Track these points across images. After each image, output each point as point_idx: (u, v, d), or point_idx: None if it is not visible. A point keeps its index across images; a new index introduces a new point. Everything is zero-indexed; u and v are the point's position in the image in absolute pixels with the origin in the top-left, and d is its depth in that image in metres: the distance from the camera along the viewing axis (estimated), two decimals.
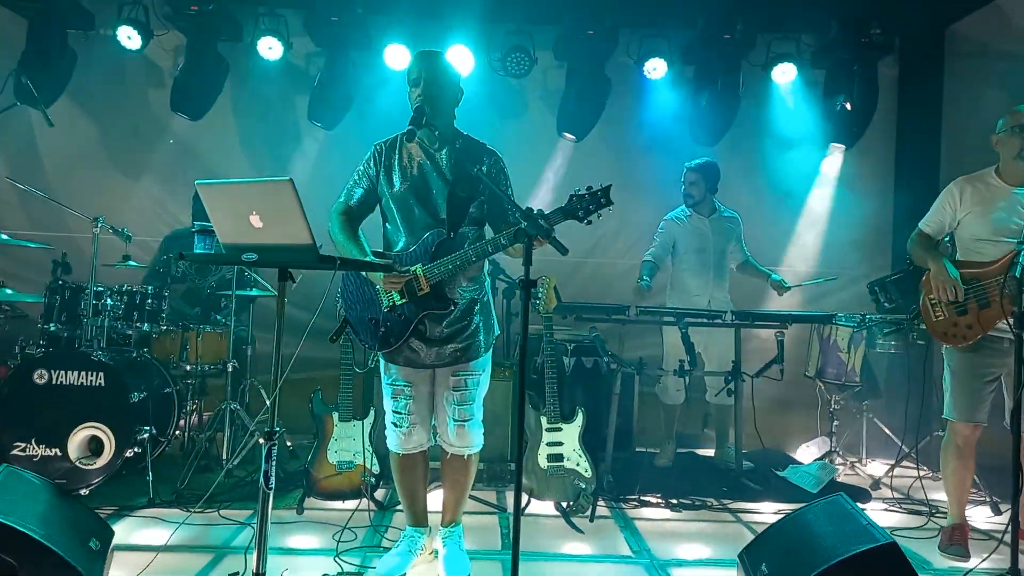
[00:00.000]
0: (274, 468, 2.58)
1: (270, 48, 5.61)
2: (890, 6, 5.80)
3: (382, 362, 3.08)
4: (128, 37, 5.49)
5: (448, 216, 2.90)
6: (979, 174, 3.59)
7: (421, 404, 3.03)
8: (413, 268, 2.84)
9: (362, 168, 3.00)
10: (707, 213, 5.01)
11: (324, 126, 5.71)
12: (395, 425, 3.04)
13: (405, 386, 3.00)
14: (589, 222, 2.63)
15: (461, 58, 5.53)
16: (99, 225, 3.98)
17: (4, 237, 4.08)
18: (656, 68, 5.78)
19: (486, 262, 3.10)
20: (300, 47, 5.81)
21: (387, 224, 3.03)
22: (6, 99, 4.28)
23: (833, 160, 6.13)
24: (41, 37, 5.31)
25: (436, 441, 3.12)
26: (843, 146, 5.99)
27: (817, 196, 6.14)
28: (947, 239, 3.75)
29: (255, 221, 2.36)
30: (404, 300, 2.88)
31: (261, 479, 2.57)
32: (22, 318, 4.75)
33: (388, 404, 3.06)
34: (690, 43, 5.84)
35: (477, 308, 2.99)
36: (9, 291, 4.25)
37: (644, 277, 4.78)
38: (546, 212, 2.60)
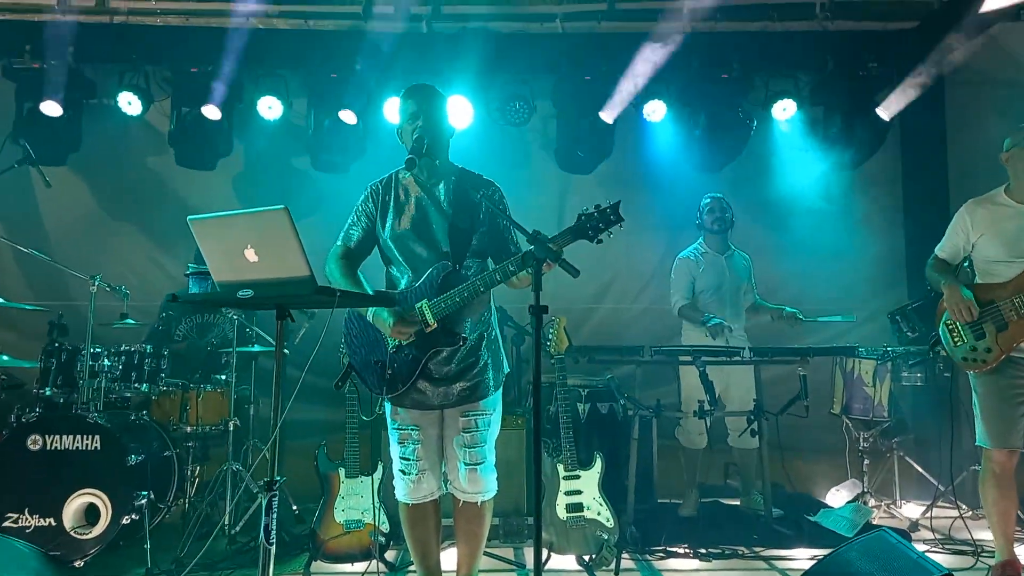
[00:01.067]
0: (275, 522, 2.42)
1: (270, 108, 5.62)
2: (885, 40, 5.83)
3: (388, 408, 2.93)
4: (128, 103, 5.53)
5: (451, 249, 2.79)
6: (989, 195, 3.55)
7: (430, 449, 2.86)
8: (419, 305, 2.72)
9: (359, 208, 2.91)
10: (722, 250, 4.91)
11: (323, 172, 5.68)
12: (403, 473, 2.87)
13: (413, 430, 2.84)
14: (599, 241, 2.52)
15: (460, 109, 5.53)
16: (96, 283, 3.89)
17: (1, 301, 3.98)
18: (655, 111, 5.76)
19: (492, 301, 2.98)
20: (300, 107, 5.83)
21: (390, 267, 2.93)
22: (4, 162, 4.24)
23: (840, 193, 6.05)
24: (36, 102, 5.33)
25: (447, 489, 2.93)
26: (857, 177, 5.91)
27: (824, 232, 6.03)
28: (966, 264, 3.64)
29: (250, 255, 2.26)
30: (411, 340, 2.74)
31: (261, 534, 2.40)
32: (18, 387, 4.61)
33: (395, 451, 2.90)
34: (687, 85, 5.83)
35: (484, 344, 2.86)
36: (5, 357, 4.13)
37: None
38: (553, 236, 2.49)
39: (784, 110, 5.76)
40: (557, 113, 5.91)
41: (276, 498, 2.41)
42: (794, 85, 5.87)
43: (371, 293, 2.75)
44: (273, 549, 2.38)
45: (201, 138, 5.56)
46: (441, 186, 2.86)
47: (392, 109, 5.57)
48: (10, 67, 5.37)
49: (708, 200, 4.95)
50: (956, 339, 3.40)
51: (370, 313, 2.75)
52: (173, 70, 5.58)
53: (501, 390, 2.94)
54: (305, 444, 4.17)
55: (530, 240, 2.44)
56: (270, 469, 2.42)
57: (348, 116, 5.53)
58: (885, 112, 5.83)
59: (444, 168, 2.88)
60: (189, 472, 4.29)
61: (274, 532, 2.39)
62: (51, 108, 5.32)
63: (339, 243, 2.90)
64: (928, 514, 4.48)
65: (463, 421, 2.82)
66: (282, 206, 2.17)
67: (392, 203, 2.86)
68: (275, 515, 2.41)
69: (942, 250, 3.65)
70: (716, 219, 4.87)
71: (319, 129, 5.62)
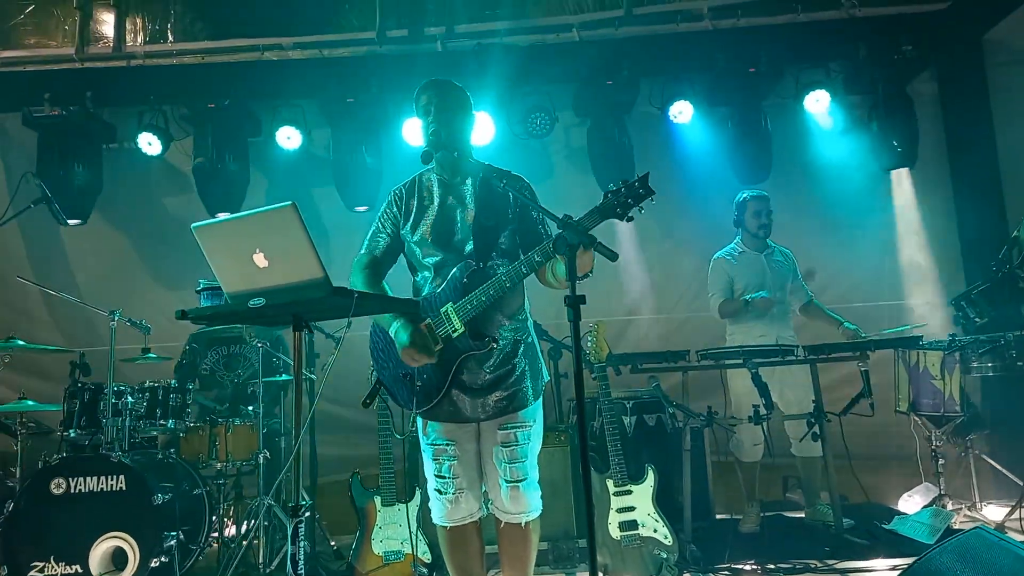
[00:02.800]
0: (304, 549, 2.21)
1: (288, 138, 5.57)
2: (917, 22, 5.59)
3: (420, 424, 2.72)
4: (148, 143, 5.52)
5: (476, 247, 2.60)
6: None
7: (467, 466, 2.63)
8: (443, 308, 2.52)
9: (383, 214, 2.74)
10: (761, 248, 4.64)
11: (347, 204, 5.57)
12: (439, 492, 2.64)
13: (448, 445, 2.62)
14: (630, 218, 2.29)
15: (482, 125, 5.41)
16: (116, 318, 3.77)
17: (20, 342, 3.88)
18: (681, 112, 5.56)
19: (527, 305, 2.76)
20: (319, 136, 5.77)
21: (415, 275, 2.74)
22: (20, 204, 4.19)
23: (885, 186, 5.76)
24: (61, 152, 5.33)
25: (488, 510, 2.70)
26: (903, 169, 5.62)
27: (872, 225, 5.75)
28: None
29: (259, 260, 2.09)
30: (439, 347, 2.54)
31: (289, 566, 2.19)
32: (46, 434, 4.50)
33: (429, 469, 2.68)
34: (714, 82, 5.64)
35: (521, 350, 2.64)
36: (30, 403, 4.02)
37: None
38: (578, 217, 2.28)
39: (817, 101, 5.53)
40: (580, 122, 5.76)
41: (303, 525, 2.21)
42: (826, 75, 5.66)
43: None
44: None
45: (223, 172, 5.49)
46: (468, 184, 2.68)
47: (410, 130, 5.47)
48: (30, 116, 5.38)
49: (751, 199, 4.62)
50: None
51: (392, 329, 2.55)
52: (191, 108, 5.55)
53: (541, 400, 2.71)
54: (341, 480, 3.97)
55: (561, 224, 2.24)
56: (294, 494, 2.22)
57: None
58: (924, 96, 5.60)
59: (468, 165, 2.70)
60: (222, 511, 4.10)
61: (302, 562, 2.19)
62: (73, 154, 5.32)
63: (363, 251, 2.72)
64: (1015, 515, 4.11)
65: (502, 435, 2.59)
66: (289, 202, 2.01)
67: (416, 205, 2.69)
68: (302, 543, 2.20)
69: None
70: (762, 225, 4.57)
71: (339, 156, 5.53)
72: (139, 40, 6.03)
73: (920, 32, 5.62)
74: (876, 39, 5.53)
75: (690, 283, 5.68)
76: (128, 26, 6.04)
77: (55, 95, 5.48)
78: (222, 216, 2.15)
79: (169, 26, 6.12)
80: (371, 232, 2.76)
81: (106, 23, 6.03)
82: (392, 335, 2.58)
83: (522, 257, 2.46)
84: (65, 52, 5.93)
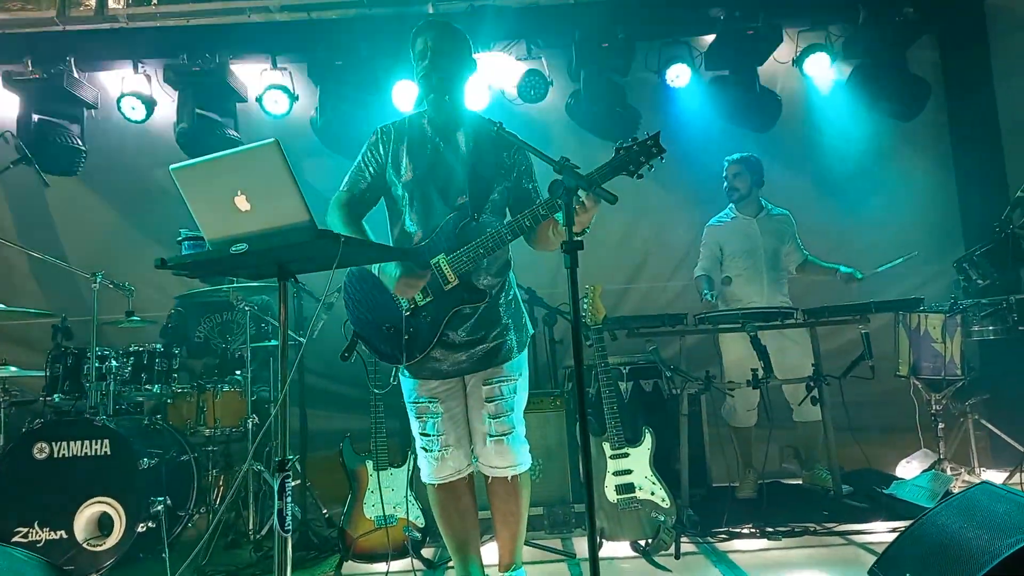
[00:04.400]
0: (291, 507, 2.13)
1: (275, 102, 5.41)
2: None
3: (403, 381, 2.63)
4: (132, 108, 5.37)
5: (470, 199, 2.50)
6: None
7: (453, 422, 2.56)
8: (435, 260, 2.43)
9: (367, 153, 2.62)
10: (754, 212, 4.57)
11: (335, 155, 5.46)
12: (426, 450, 2.57)
13: (431, 402, 2.54)
14: (640, 176, 2.24)
15: (476, 90, 5.28)
16: (98, 280, 3.66)
17: (2, 307, 3.76)
18: (679, 75, 5.44)
19: (511, 257, 2.66)
20: (306, 98, 5.62)
21: (400, 219, 2.60)
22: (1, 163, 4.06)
23: (885, 150, 5.67)
24: (43, 116, 5.19)
25: (476, 465, 2.62)
26: (904, 131, 5.53)
27: (872, 189, 5.64)
28: None
29: (241, 203, 2.00)
30: (428, 299, 2.46)
31: (275, 520, 2.11)
32: (30, 403, 4.41)
33: (415, 427, 2.60)
34: (711, 45, 5.52)
35: (503, 302, 2.56)
36: (12, 368, 3.92)
37: (706, 290, 4.34)
38: (591, 171, 2.19)
39: (816, 64, 5.41)
40: (575, 87, 5.62)
41: (289, 480, 2.12)
42: (826, 38, 5.53)
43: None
44: (290, 537, 2.09)
45: (208, 137, 5.35)
46: (461, 131, 2.58)
47: (400, 94, 5.35)
48: (11, 77, 5.23)
49: (730, 163, 4.64)
50: None
51: (375, 268, 2.45)
52: (175, 71, 5.39)
53: (526, 352, 2.63)
54: (333, 454, 3.89)
55: (558, 168, 2.14)
56: (280, 448, 2.13)
57: None
58: (925, 61, 5.50)
59: (462, 112, 2.59)
60: (211, 478, 4.02)
61: (289, 519, 2.10)
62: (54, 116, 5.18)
63: (343, 189, 2.61)
64: (1013, 480, 4.07)
65: (487, 389, 2.52)
66: (272, 140, 1.91)
67: (406, 147, 2.57)
68: (289, 500, 2.12)
69: None
70: (731, 187, 4.59)
71: (326, 119, 5.39)
72: (122, 2, 5.87)
73: None
74: (876, 1, 5.42)
75: (688, 250, 5.58)
76: None
77: (36, 57, 5.32)
78: (201, 157, 2.02)
79: None
80: (352, 170, 2.64)
81: None
82: (376, 273, 2.47)
83: (525, 211, 2.35)
84: (46, 15, 5.78)
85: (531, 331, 2.69)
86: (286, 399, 2.04)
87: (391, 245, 2.58)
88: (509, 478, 2.54)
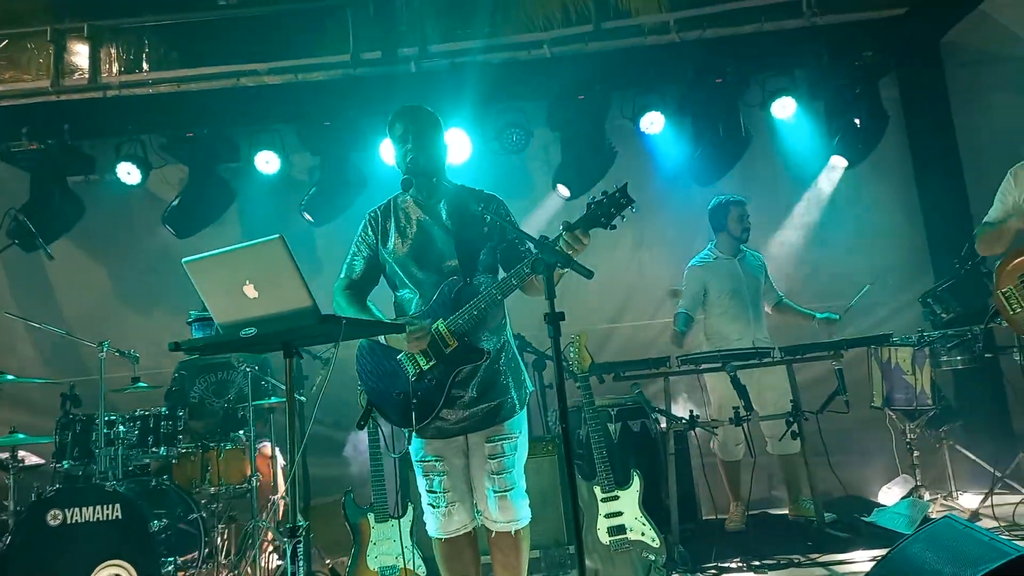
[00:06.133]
0: (303, 570, 2.28)
1: (267, 162, 5.63)
2: (877, 28, 5.78)
3: (411, 441, 2.80)
4: (128, 173, 5.57)
5: (460, 264, 2.69)
6: None
7: (457, 479, 2.72)
8: (435, 324, 2.61)
9: (359, 238, 2.84)
10: (733, 253, 4.78)
11: (316, 222, 5.65)
12: (432, 507, 2.73)
13: (436, 461, 2.71)
14: (613, 227, 2.41)
15: (458, 142, 5.50)
16: (104, 349, 3.82)
17: (10, 377, 3.91)
18: (653, 123, 5.69)
19: (507, 316, 2.86)
20: (298, 160, 5.84)
21: (397, 292, 2.83)
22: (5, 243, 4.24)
23: (852, 187, 5.92)
24: (43, 186, 5.37)
25: (479, 520, 2.78)
26: (847, 162, 5.77)
27: (841, 227, 5.89)
28: None
29: (249, 291, 2.17)
30: (431, 363, 2.63)
31: None
32: (37, 468, 4.52)
33: (422, 485, 2.77)
34: (684, 93, 5.79)
35: (504, 361, 2.73)
36: (21, 436, 4.04)
37: (680, 326, 4.52)
38: (569, 223, 2.39)
39: (783, 108, 5.68)
40: (554, 137, 5.87)
41: (300, 545, 2.28)
42: (791, 82, 5.81)
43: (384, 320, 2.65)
44: None
45: (202, 201, 5.55)
46: (442, 204, 2.78)
47: (388, 150, 5.55)
48: (8, 151, 5.40)
49: (733, 204, 4.75)
50: (1015, 306, 3.26)
51: (383, 340, 2.64)
52: (168, 137, 5.60)
53: (526, 410, 2.81)
54: (334, 500, 4.03)
55: (537, 246, 2.34)
56: (291, 515, 2.29)
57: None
58: (886, 100, 5.77)
59: (443, 186, 2.80)
60: (218, 534, 4.15)
61: None
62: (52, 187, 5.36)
63: (342, 276, 2.82)
64: (988, 503, 4.25)
65: (489, 447, 2.68)
66: (277, 235, 2.10)
67: (393, 226, 2.78)
68: (302, 563, 2.27)
69: (990, 217, 3.61)
70: (745, 228, 4.73)
71: (316, 175, 5.61)
72: (114, 70, 6.08)
73: (880, 37, 5.81)
74: (838, 45, 5.70)
75: (668, 288, 5.79)
76: (103, 56, 6.08)
77: (33, 129, 5.50)
78: (212, 251, 2.21)
79: (144, 55, 6.18)
80: (348, 256, 2.85)
81: (80, 55, 6.06)
82: (383, 341, 2.65)
83: (511, 271, 2.55)
84: (41, 85, 5.98)
85: (530, 388, 2.86)
86: (296, 474, 2.21)
87: (394, 316, 2.77)
88: (512, 532, 2.70)
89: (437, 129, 2.81)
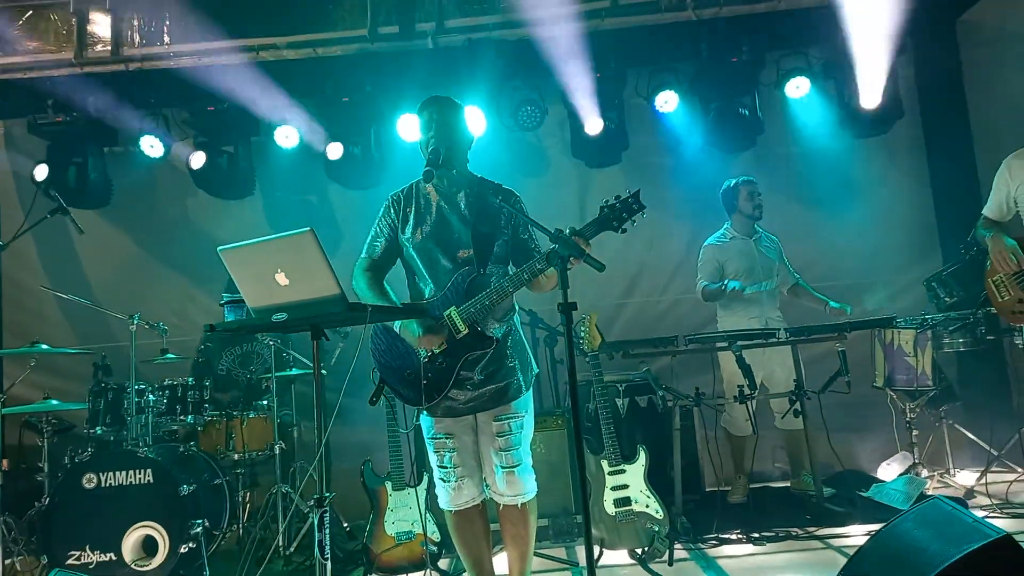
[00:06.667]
0: (328, 536, 2.46)
1: (287, 136, 5.72)
2: (895, 6, 5.76)
3: (422, 419, 2.96)
4: (151, 146, 5.67)
5: (475, 254, 2.82)
6: None
7: (466, 455, 2.88)
8: (447, 311, 2.75)
9: (381, 219, 2.95)
10: (749, 234, 4.86)
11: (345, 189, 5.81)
12: (443, 481, 2.90)
13: (447, 438, 2.87)
14: (624, 230, 2.55)
15: (474, 119, 5.57)
16: (135, 322, 3.99)
17: (44, 347, 4.09)
18: (667, 101, 5.73)
19: (516, 304, 2.99)
20: (317, 134, 5.91)
21: (413, 277, 2.96)
22: (36, 215, 4.38)
23: (864, 167, 5.96)
24: (68, 158, 5.50)
25: (488, 493, 2.95)
26: (882, 150, 5.82)
27: (852, 206, 5.94)
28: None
29: (281, 279, 2.31)
30: (442, 347, 2.77)
31: (316, 550, 2.45)
32: (69, 430, 4.75)
33: (433, 460, 2.93)
34: (698, 72, 5.82)
35: (510, 345, 2.87)
36: (55, 402, 4.24)
37: (722, 283, 4.60)
38: (579, 228, 2.51)
39: (798, 87, 5.70)
40: (569, 114, 5.92)
41: (327, 514, 2.46)
42: (806, 62, 5.82)
43: (399, 305, 2.79)
44: (328, 564, 2.42)
45: (225, 173, 5.68)
46: (462, 194, 2.89)
47: (405, 126, 5.64)
48: (35, 123, 5.52)
49: (743, 184, 4.84)
50: (1004, 294, 3.38)
51: (397, 325, 2.79)
52: (190, 111, 5.70)
53: (531, 391, 2.95)
54: (350, 465, 4.22)
55: (553, 239, 2.46)
56: (319, 487, 2.47)
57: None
58: (901, 78, 5.78)
59: (463, 177, 2.91)
60: (240, 498, 4.36)
61: (328, 547, 2.44)
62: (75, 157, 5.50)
63: (364, 255, 2.94)
64: (983, 480, 4.40)
65: (496, 426, 2.83)
66: (307, 229, 2.22)
67: (413, 212, 2.89)
68: (328, 531, 2.45)
69: (988, 209, 3.69)
70: (757, 206, 4.80)
71: (339, 152, 5.70)
72: (136, 42, 6.18)
73: (898, 14, 5.79)
74: (855, 24, 5.69)
75: (679, 265, 5.90)
76: (124, 29, 6.18)
77: (58, 101, 5.60)
78: (246, 241, 2.34)
79: (165, 28, 6.26)
80: (370, 236, 2.97)
81: (102, 25, 6.16)
82: (398, 331, 2.81)
83: (524, 266, 2.67)
84: (64, 57, 6.08)
85: (536, 370, 3.00)
86: (323, 450, 2.37)
87: (409, 301, 2.90)
88: (519, 505, 2.86)
89: (461, 121, 2.91)
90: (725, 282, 4.59)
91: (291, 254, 2.28)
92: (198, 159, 5.67)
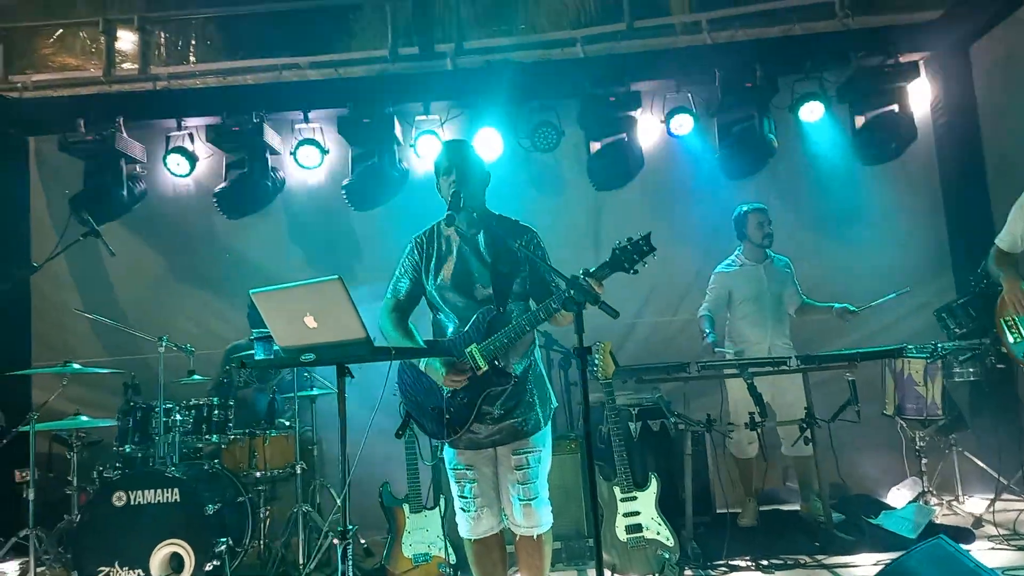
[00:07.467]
0: (351, 568, 2.57)
1: (308, 156, 5.83)
2: (910, 30, 5.83)
3: (445, 450, 3.07)
4: (177, 164, 5.81)
5: (495, 294, 2.92)
6: None
7: (486, 486, 2.99)
8: (468, 349, 2.85)
9: (405, 261, 3.06)
10: (760, 260, 4.93)
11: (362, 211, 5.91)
12: (463, 510, 3.01)
13: (467, 470, 2.97)
14: (635, 271, 2.64)
15: (490, 141, 5.67)
16: (163, 344, 4.12)
17: (76, 367, 4.23)
18: (682, 124, 5.81)
19: (536, 335, 3.10)
20: (338, 151, 6.02)
21: (437, 314, 3.06)
22: (70, 236, 4.52)
23: (875, 191, 6.01)
24: (97, 175, 5.66)
25: (506, 522, 3.05)
26: (894, 175, 5.87)
27: (864, 230, 5.98)
28: None
29: (310, 322, 2.41)
30: (463, 384, 2.87)
31: None
32: (96, 444, 4.89)
33: (454, 490, 3.04)
34: (712, 95, 5.89)
35: (530, 379, 2.97)
36: (84, 418, 4.38)
37: (708, 331, 4.71)
38: (592, 270, 2.60)
39: (811, 112, 5.76)
40: (585, 136, 6.01)
41: (351, 547, 2.57)
42: (820, 86, 5.87)
43: (423, 344, 2.90)
44: None
45: (247, 190, 5.81)
46: (481, 235, 2.99)
47: (424, 146, 5.74)
48: (65, 141, 5.66)
49: (752, 212, 4.91)
50: (1015, 335, 3.41)
51: (423, 363, 2.90)
52: (215, 129, 5.83)
53: (550, 425, 3.05)
54: (366, 477, 4.30)
55: (569, 285, 2.56)
56: (343, 520, 2.58)
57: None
58: (914, 103, 5.84)
59: (482, 217, 3.01)
60: (262, 514, 4.48)
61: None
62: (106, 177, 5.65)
63: (389, 295, 3.05)
64: (992, 509, 4.45)
65: (515, 459, 2.93)
66: (336, 276, 2.33)
67: (435, 255, 3.00)
68: (351, 562, 2.56)
69: (1001, 240, 3.66)
70: (766, 235, 4.88)
71: (356, 173, 5.82)
72: (163, 61, 6.35)
73: (912, 41, 5.86)
74: (869, 48, 5.75)
75: (691, 286, 5.96)
76: (152, 48, 6.35)
77: (88, 120, 5.72)
78: (276, 285, 2.46)
79: (191, 47, 6.42)
80: (395, 277, 3.09)
81: (130, 43, 6.33)
82: (423, 368, 2.92)
83: (540, 305, 2.78)
84: (93, 75, 6.25)
85: (555, 404, 3.10)
86: (349, 483, 2.48)
87: (432, 338, 3.01)
88: (535, 536, 2.97)
89: (478, 162, 3.02)
90: (707, 332, 4.75)
91: (320, 299, 2.39)
92: (221, 176, 5.81)
